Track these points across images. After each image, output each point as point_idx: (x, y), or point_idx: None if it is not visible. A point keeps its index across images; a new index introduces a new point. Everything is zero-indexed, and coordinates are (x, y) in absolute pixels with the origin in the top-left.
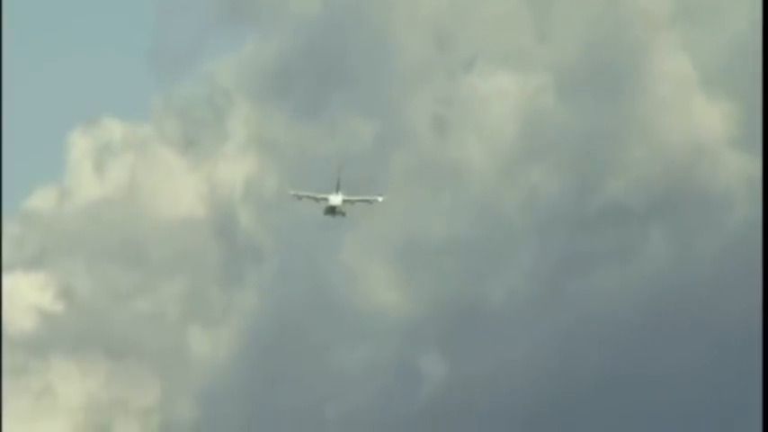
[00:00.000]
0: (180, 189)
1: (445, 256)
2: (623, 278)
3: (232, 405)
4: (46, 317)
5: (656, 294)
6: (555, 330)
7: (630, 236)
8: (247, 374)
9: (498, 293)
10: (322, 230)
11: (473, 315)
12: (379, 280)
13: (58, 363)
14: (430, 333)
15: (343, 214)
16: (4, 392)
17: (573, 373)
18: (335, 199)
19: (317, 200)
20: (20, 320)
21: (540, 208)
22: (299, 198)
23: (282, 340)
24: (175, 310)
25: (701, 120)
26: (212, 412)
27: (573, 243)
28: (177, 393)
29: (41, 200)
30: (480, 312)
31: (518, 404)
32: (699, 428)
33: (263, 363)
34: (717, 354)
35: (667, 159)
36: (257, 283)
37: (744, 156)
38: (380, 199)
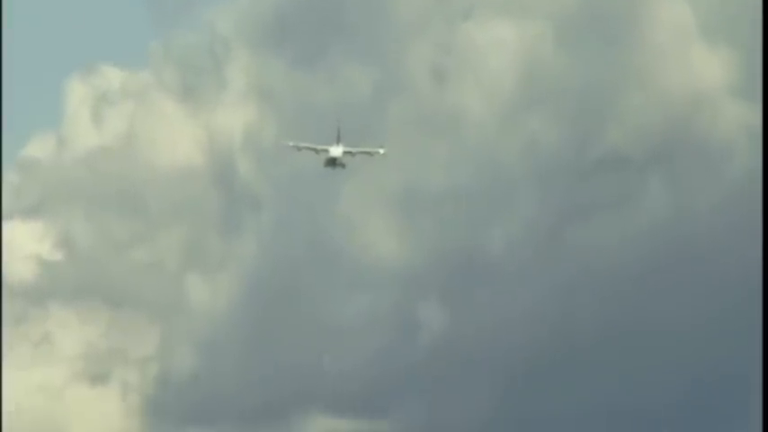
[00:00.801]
0: (178, 137)
1: (444, 206)
2: (623, 228)
3: (230, 354)
4: (45, 265)
5: (656, 245)
6: (555, 281)
7: (629, 185)
8: (246, 324)
9: (498, 243)
10: (321, 180)
11: (472, 265)
12: (377, 230)
13: (56, 311)
14: (429, 284)
15: (344, 166)
16: (4, 341)
17: (573, 324)
18: (336, 150)
19: (317, 151)
20: (19, 269)
21: (539, 157)
22: (299, 149)
23: (281, 290)
24: (174, 259)
25: (701, 68)
26: (211, 361)
27: (572, 192)
28: (176, 342)
29: (39, 148)
30: (480, 262)
31: (518, 355)
32: (698, 380)
33: (262, 312)
34: (716, 305)
35: (666, 108)
36: (256, 232)
37: (743, 104)
38: (382, 151)
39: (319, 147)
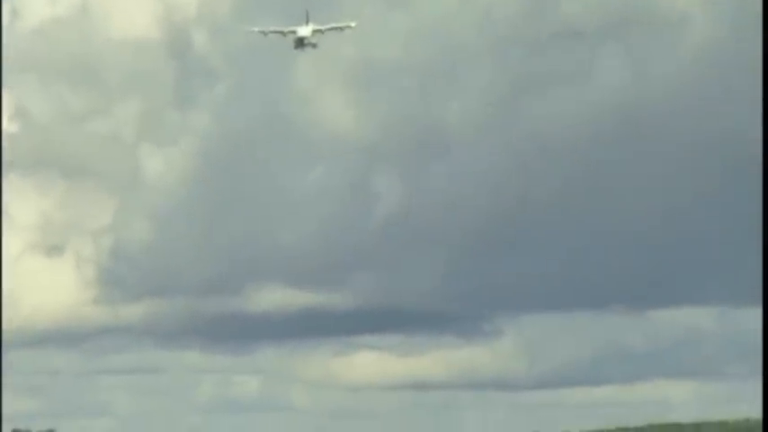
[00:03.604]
0: (134, 9)
1: (400, 79)
2: (578, 100)
3: (185, 226)
4: (1, 137)
5: (610, 116)
6: (510, 152)
7: (584, 57)
8: (200, 196)
9: (453, 116)
10: (276, 52)
11: (428, 137)
12: (333, 103)
13: (13, 182)
14: (384, 155)
15: (314, 45)
16: None
17: (527, 196)
18: (305, 30)
19: (284, 34)
20: None
21: (495, 30)
22: (265, 34)
23: (236, 162)
24: (129, 131)
25: None
26: (165, 233)
27: (528, 65)
28: (130, 214)
29: None
30: (435, 133)
31: (471, 226)
32: (648, 252)
33: (217, 184)
34: (668, 176)
35: None
36: (211, 104)
37: None
38: (353, 24)
39: (287, 29)
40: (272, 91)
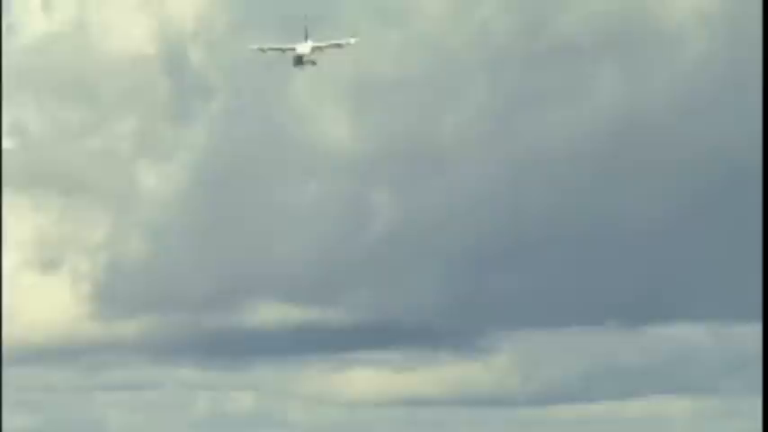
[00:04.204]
0: (130, 25)
1: (396, 94)
2: (573, 116)
3: (181, 242)
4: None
5: (606, 132)
6: (505, 168)
7: (581, 73)
8: (197, 212)
9: (449, 131)
10: (272, 68)
11: (423, 153)
12: (329, 118)
13: (9, 198)
14: (380, 171)
15: (314, 63)
16: None
17: (522, 212)
18: (304, 47)
19: (283, 51)
20: None
21: (490, 45)
22: (264, 51)
23: (232, 177)
24: (126, 146)
25: None
26: (161, 249)
27: (524, 80)
28: (127, 230)
29: None
30: (430, 150)
31: (468, 242)
32: (647, 268)
33: (213, 200)
34: (667, 192)
35: None
36: (207, 119)
37: None
38: (353, 41)
39: (285, 46)
40: (268, 107)
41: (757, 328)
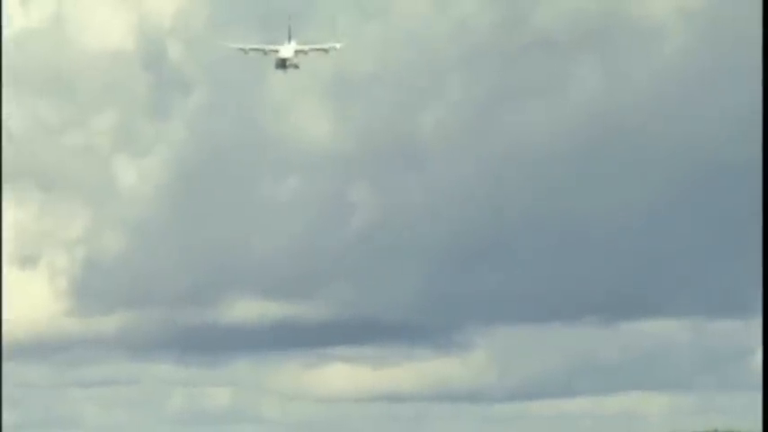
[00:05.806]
0: (109, 20)
1: (375, 90)
2: (552, 111)
3: (159, 238)
4: None
5: (584, 127)
6: (484, 165)
7: (559, 68)
8: (175, 207)
9: (428, 127)
10: (251, 64)
11: (402, 149)
12: (307, 114)
13: None
14: (359, 167)
15: (296, 66)
16: None
17: (501, 207)
18: (287, 50)
19: (265, 52)
20: None
21: (469, 40)
22: (246, 52)
23: (210, 172)
24: (104, 142)
25: None
26: (139, 244)
27: (502, 76)
28: (105, 225)
29: None
30: (409, 147)
31: (445, 238)
32: (626, 262)
33: (191, 194)
34: (645, 186)
35: None
36: (185, 115)
37: None
38: (338, 46)
39: (268, 47)
40: (247, 102)
41: (734, 325)
